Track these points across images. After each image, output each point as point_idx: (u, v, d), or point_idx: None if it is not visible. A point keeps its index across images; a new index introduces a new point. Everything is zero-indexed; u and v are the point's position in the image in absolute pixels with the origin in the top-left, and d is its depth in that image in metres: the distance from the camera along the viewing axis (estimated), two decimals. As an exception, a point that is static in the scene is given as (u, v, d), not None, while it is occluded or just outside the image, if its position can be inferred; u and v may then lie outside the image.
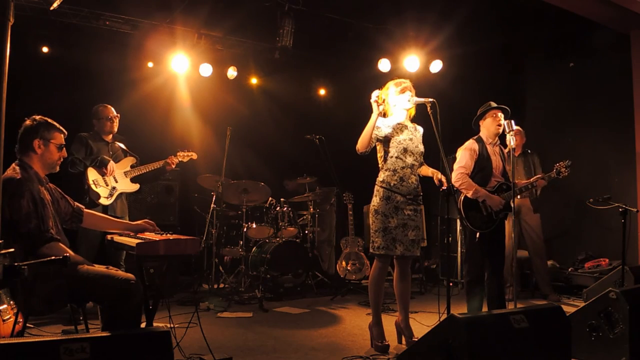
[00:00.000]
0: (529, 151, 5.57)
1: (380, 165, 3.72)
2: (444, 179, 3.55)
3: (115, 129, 4.66)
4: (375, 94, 3.62)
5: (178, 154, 4.94)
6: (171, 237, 3.06)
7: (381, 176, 3.67)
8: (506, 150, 4.04)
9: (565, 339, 2.58)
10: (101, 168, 4.42)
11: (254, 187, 5.78)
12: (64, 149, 2.91)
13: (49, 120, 2.85)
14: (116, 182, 4.51)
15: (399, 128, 3.67)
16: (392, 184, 3.60)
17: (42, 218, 2.64)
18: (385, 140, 3.64)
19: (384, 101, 3.70)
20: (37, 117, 2.82)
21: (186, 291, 5.66)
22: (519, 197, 5.34)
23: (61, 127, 2.90)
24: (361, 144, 3.56)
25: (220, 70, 6.82)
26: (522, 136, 5.52)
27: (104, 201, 4.40)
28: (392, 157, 3.63)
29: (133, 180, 4.62)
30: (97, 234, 4.42)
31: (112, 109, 4.65)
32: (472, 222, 3.90)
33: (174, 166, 4.80)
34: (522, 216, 5.47)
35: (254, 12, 5.85)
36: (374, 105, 3.57)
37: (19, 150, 2.79)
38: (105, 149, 4.59)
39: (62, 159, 2.92)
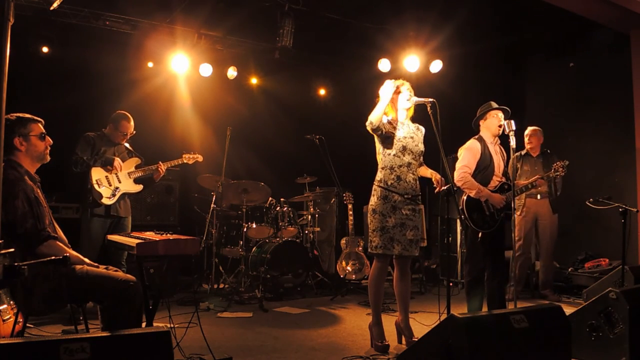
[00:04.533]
0: (548, 151, 5.55)
1: (378, 164, 3.72)
2: (441, 181, 3.55)
3: (124, 142, 4.67)
4: (390, 83, 3.58)
5: (183, 155, 4.93)
6: (171, 237, 3.07)
7: (379, 175, 3.67)
8: (514, 155, 4.02)
9: (565, 339, 2.58)
10: (106, 166, 4.42)
11: (254, 187, 5.78)
12: (47, 136, 2.85)
13: (21, 114, 2.80)
14: (119, 182, 4.51)
15: (398, 126, 3.67)
16: (389, 183, 3.60)
17: (38, 217, 2.63)
18: (384, 137, 3.64)
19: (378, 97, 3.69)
20: (9, 116, 2.75)
21: (186, 291, 5.66)
22: (538, 197, 5.38)
23: (35, 117, 2.84)
24: (375, 117, 3.50)
25: (220, 70, 6.83)
26: (539, 136, 5.50)
27: (106, 201, 4.41)
28: (389, 154, 3.63)
29: (136, 181, 4.63)
30: (99, 233, 4.43)
31: (133, 125, 4.65)
32: (475, 222, 3.89)
33: (161, 174, 4.70)
34: (540, 216, 5.47)
35: (254, 12, 5.85)
36: (388, 92, 3.54)
37: (3, 152, 2.74)
38: (110, 150, 4.59)
39: (49, 148, 2.87)
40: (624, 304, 2.98)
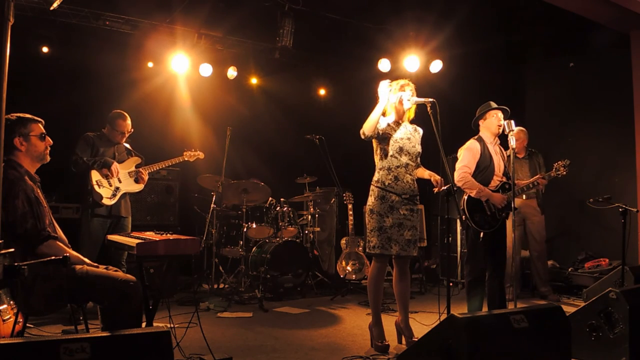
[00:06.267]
0: (534, 151, 5.55)
1: (376, 164, 3.72)
2: (440, 182, 3.55)
3: (124, 141, 4.65)
4: (385, 84, 3.59)
5: (185, 153, 4.94)
6: (171, 237, 3.07)
7: (376, 176, 3.68)
8: (507, 152, 4.03)
9: (565, 339, 2.58)
10: (102, 170, 4.42)
11: (254, 187, 5.78)
12: (47, 137, 2.86)
13: (21, 114, 2.80)
14: (120, 182, 4.51)
15: (396, 127, 3.67)
16: (386, 184, 3.60)
17: (39, 217, 2.63)
18: (382, 138, 3.64)
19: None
20: (9, 116, 2.75)
21: (186, 291, 5.66)
22: (524, 197, 5.36)
23: (35, 117, 2.84)
24: (368, 127, 3.53)
25: (220, 70, 6.83)
26: (525, 136, 5.48)
27: (106, 202, 4.40)
28: (387, 155, 3.63)
29: (137, 180, 4.62)
30: (99, 233, 4.42)
31: (130, 123, 4.63)
32: (476, 222, 3.89)
33: (142, 183, 4.66)
34: (528, 217, 5.46)
35: (254, 12, 5.85)
36: (383, 95, 3.55)
37: (3, 152, 2.74)
38: (110, 150, 4.59)
39: (49, 148, 2.87)
40: (624, 304, 2.98)
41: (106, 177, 4.43)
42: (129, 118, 4.63)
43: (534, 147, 5.62)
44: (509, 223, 4.11)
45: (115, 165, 4.44)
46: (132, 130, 4.66)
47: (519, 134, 5.43)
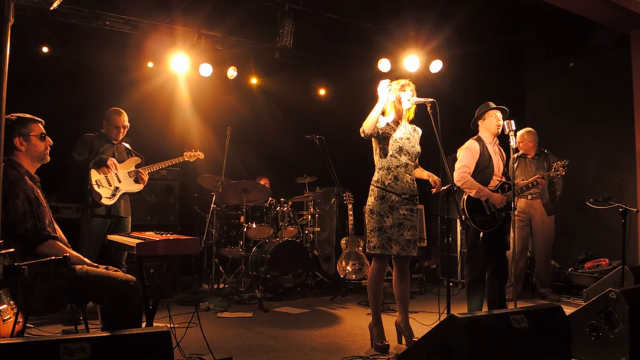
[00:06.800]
0: (546, 151, 5.53)
1: (375, 164, 3.72)
2: (438, 182, 3.55)
3: (121, 138, 4.64)
4: (384, 83, 3.60)
5: (185, 153, 4.93)
6: (171, 237, 3.06)
7: (376, 176, 3.68)
8: (513, 155, 4.01)
9: (565, 339, 2.58)
10: (101, 168, 4.41)
11: (254, 187, 5.78)
12: (47, 137, 2.86)
13: (21, 114, 2.80)
14: (119, 182, 4.50)
15: (396, 126, 3.68)
16: (386, 184, 3.60)
17: (39, 217, 2.63)
18: (381, 138, 3.64)
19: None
20: (9, 116, 2.74)
21: (186, 291, 5.66)
22: (529, 197, 5.36)
23: (35, 117, 2.83)
24: (368, 125, 3.52)
25: (220, 70, 6.83)
26: (529, 139, 5.45)
27: (106, 201, 4.40)
28: (386, 155, 3.63)
29: (136, 180, 4.62)
30: (99, 233, 4.42)
31: (125, 118, 4.60)
32: (476, 221, 3.89)
33: (142, 183, 4.64)
34: (533, 218, 5.45)
35: (254, 12, 5.85)
36: (383, 93, 3.56)
37: (3, 152, 2.74)
38: (110, 150, 4.58)
39: (49, 148, 2.87)
40: (624, 304, 2.98)
41: (105, 175, 4.43)
42: (124, 114, 4.61)
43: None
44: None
45: (112, 160, 4.42)
46: (128, 125, 4.62)
47: (524, 135, 5.44)
